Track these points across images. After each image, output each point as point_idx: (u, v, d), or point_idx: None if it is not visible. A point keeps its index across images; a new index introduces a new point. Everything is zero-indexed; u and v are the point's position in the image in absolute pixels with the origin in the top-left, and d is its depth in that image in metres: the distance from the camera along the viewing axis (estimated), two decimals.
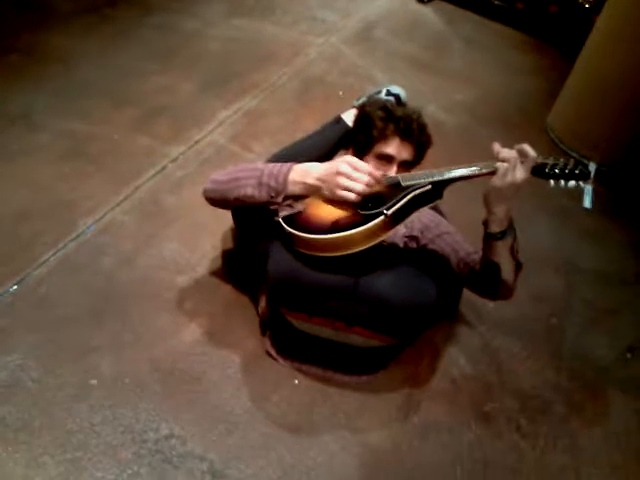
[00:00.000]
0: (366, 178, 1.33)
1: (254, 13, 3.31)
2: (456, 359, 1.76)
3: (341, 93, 2.76)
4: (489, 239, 1.39)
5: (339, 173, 1.33)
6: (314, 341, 1.57)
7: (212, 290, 1.78)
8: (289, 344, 1.62)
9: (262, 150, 2.30)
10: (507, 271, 1.45)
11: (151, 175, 2.12)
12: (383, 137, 1.56)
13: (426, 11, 3.77)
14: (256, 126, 2.47)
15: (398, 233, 1.56)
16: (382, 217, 1.32)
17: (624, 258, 2.28)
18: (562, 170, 1.28)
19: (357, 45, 3.23)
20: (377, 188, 1.37)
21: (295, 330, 1.56)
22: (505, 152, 1.28)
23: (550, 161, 1.29)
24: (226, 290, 1.79)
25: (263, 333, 1.68)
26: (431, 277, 1.50)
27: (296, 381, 1.60)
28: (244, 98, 2.61)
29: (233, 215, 1.68)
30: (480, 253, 1.48)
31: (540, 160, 1.29)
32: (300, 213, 1.42)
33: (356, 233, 1.32)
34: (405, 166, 1.58)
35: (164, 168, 2.16)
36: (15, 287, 1.66)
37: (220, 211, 1.62)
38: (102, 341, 1.58)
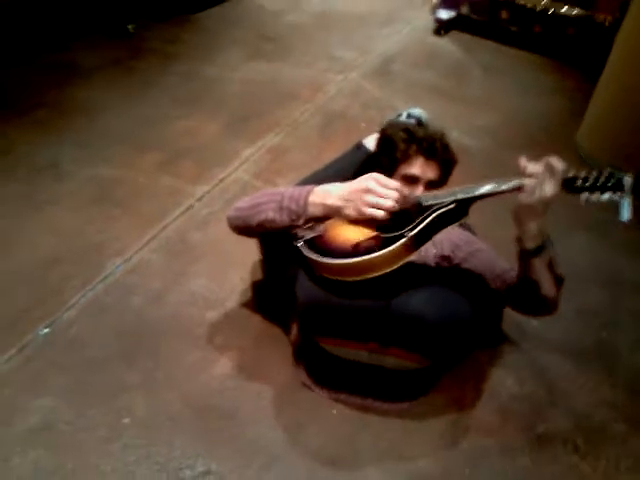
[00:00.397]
0: (394, 194, 1.29)
1: (272, 56, 3.37)
2: (503, 380, 1.67)
3: (363, 125, 2.76)
4: (525, 257, 1.32)
5: (366, 190, 1.29)
6: (350, 368, 1.51)
7: (242, 323, 1.74)
8: (325, 373, 1.56)
9: (286, 185, 2.29)
10: (547, 287, 1.37)
11: (177, 214, 2.12)
12: (407, 158, 1.52)
13: (443, 42, 3.80)
14: (280, 162, 2.47)
15: (429, 253, 1.51)
16: (403, 240, 1.27)
17: None
18: (594, 183, 1.20)
19: (376, 79, 3.25)
20: (405, 206, 1.32)
21: (330, 357, 1.50)
22: (532, 167, 1.22)
23: (581, 175, 1.21)
24: (256, 322, 1.75)
25: (297, 363, 1.62)
26: (466, 294, 1.44)
27: (334, 411, 1.53)
28: (267, 135, 2.63)
29: (260, 243, 1.66)
30: (517, 270, 1.41)
31: (571, 174, 1.21)
32: (320, 236, 1.39)
33: (376, 257, 1.27)
34: (431, 186, 1.54)
35: (190, 207, 2.16)
36: (46, 330, 1.65)
37: (247, 244, 1.59)
38: (134, 380, 1.54)
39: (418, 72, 3.37)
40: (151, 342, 1.65)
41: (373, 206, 1.28)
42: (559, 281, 1.40)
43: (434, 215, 1.29)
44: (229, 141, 2.56)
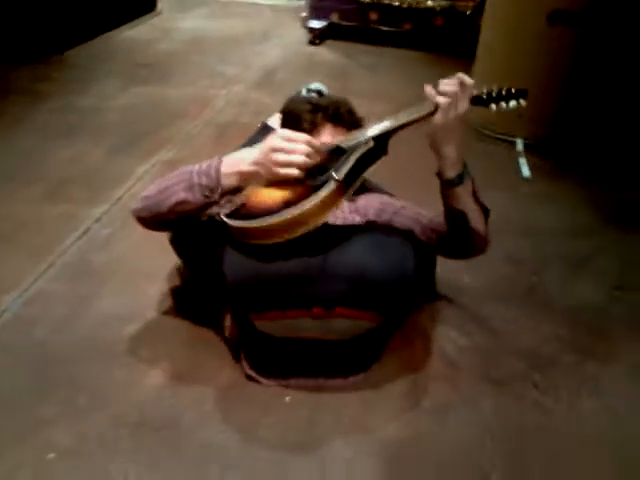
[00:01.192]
0: (304, 147, 1.20)
1: (151, 81, 3.26)
2: (449, 335, 1.61)
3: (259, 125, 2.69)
4: (448, 187, 1.30)
5: (274, 149, 1.20)
6: (295, 349, 1.40)
7: (168, 332, 1.58)
8: (269, 361, 1.43)
9: None
10: (475, 219, 1.36)
11: (74, 239, 1.92)
12: (314, 127, 1.47)
13: (321, 50, 3.86)
14: None
15: (355, 222, 1.45)
16: (333, 183, 1.20)
17: (581, 214, 2.25)
18: (499, 93, 1.26)
19: (264, 88, 3.22)
20: (319, 159, 1.24)
21: (272, 342, 1.38)
22: (445, 85, 1.21)
23: (486, 89, 1.27)
24: (184, 328, 1.59)
25: (237, 358, 1.48)
26: (403, 240, 1.39)
27: (287, 398, 1.40)
28: (160, 151, 2.50)
29: (172, 241, 1.51)
30: (442, 213, 1.38)
31: (476, 92, 1.26)
32: (243, 205, 1.28)
33: (311, 206, 1.19)
34: None
35: (87, 230, 1.98)
36: None
37: (158, 256, 1.49)
38: (51, 412, 1.33)
39: (304, 77, 3.36)
40: (64, 370, 1.44)
41: (285, 165, 1.20)
42: (486, 212, 1.39)
43: (356, 156, 1.24)
44: (120, 162, 2.40)
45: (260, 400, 1.39)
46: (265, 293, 1.29)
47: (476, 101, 1.25)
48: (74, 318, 1.61)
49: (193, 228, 1.42)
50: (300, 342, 1.38)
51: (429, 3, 3.75)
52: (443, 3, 3.75)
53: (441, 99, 1.20)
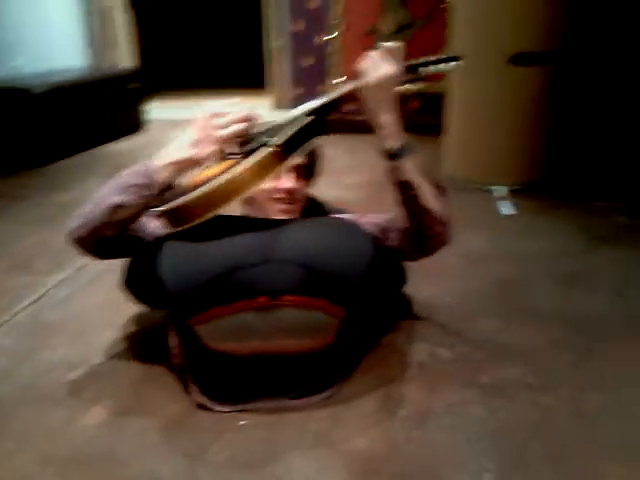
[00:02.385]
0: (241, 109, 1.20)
1: None
2: (427, 350, 1.45)
3: None
4: (391, 160, 1.25)
5: (211, 116, 1.19)
6: (251, 369, 1.25)
7: (115, 372, 1.43)
8: (222, 385, 1.27)
9: None
10: (426, 196, 1.28)
11: (31, 301, 1.81)
12: None
13: None
14: None
15: None
16: (270, 148, 1.16)
17: (573, 238, 2.13)
18: (432, 61, 1.28)
19: None
20: (257, 119, 1.24)
21: (222, 360, 1.24)
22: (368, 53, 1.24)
23: (420, 60, 1.29)
24: (133, 369, 1.44)
25: (187, 385, 1.31)
26: (355, 228, 1.30)
27: (242, 422, 1.22)
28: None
29: (126, 282, 1.41)
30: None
31: (413, 61, 1.28)
32: (178, 192, 1.22)
33: (243, 169, 1.13)
34: (302, 172, 1.45)
35: (46, 293, 1.87)
36: None
37: (114, 307, 1.49)
38: None
39: None
40: None
41: (228, 124, 1.17)
42: (441, 190, 1.31)
43: (295, 128, 1.20)
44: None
45: (211, 426, 1.21)
46: (205, 286, 1.16)
47: (409, 69, 1.27)
48: (16, 368, 1.46)
49: (138, 252, 1.34)
50: (255, 360, 1.24)
51: (402, 88, 3.89)
52: (416, 87, 3.89)
53: (364, 62, 1.22)
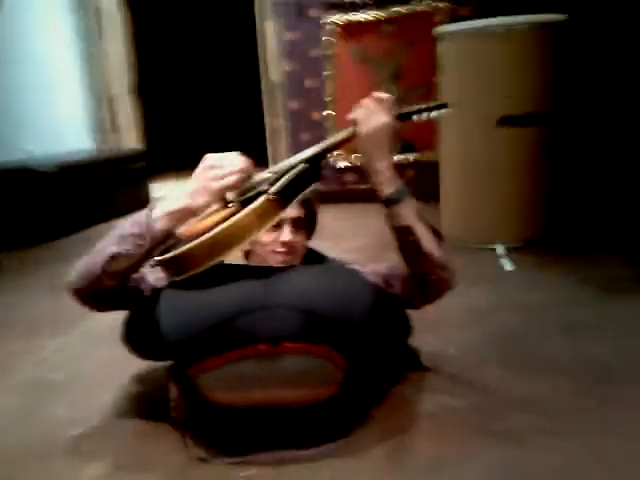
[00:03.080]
0: (237, 158, 1.22)
1: None
2: (437, 400, 1.40)
3: None
4: (389, 206, 1.28)
5: (209, 167, 1.21)
6: (253, 419, 1.21)
7: (116, 428, 1.39)
8: (224, 438, 1.23)
9: None
10: (425, 239, 1.30)
11: (34, 363, 1.79)
12: None
13: None
14: None
15: None
16: (265, 196, 1.18)
17: (574, 289, 2.10)
18: (422, 109, 1.33)
19: None
20: (252, 170, 1.24)
21: (224, 413, 1.21)
22: (361, 102, 1.29)
23: (412, 108, 1.34)
24: (134, 423, 1.40)
25: (188, 439, 1.26)
26: (353, 273, 1.30)
27: (242, 474, 1.17)
28: None
29: (126, 337, 1.40)
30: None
31: (404, 110, 1.32)
32: (176, 242, 1.23)
33: (240, 217, 1.15)
34: (299, 225, 1.47)
35: (49, 355, 1.85)
36: None
37: (120, 369, 1.48)
38: None
39: None
40: None
41: (224, 176, 1.19)
42: (437, 235, 1.34)
43: (290, 176, 1.22)
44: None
45: (210, 478, 1.16)
46: (204, 334, 1.15)
47: (401, 117, 1.31)
48: (16, 428, 1.43)
49: (137, 305, 1.33)
50: (257, 412, 1.21)
51: (397, 158, 4.00)
52: (411, 157, 4.00)
53: (357, 112, 1.26)
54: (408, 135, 3.96)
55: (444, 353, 1.64)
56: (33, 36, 4.42)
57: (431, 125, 2.90)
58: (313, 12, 3.98)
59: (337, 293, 1.20)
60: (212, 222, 1.18)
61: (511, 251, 2.55)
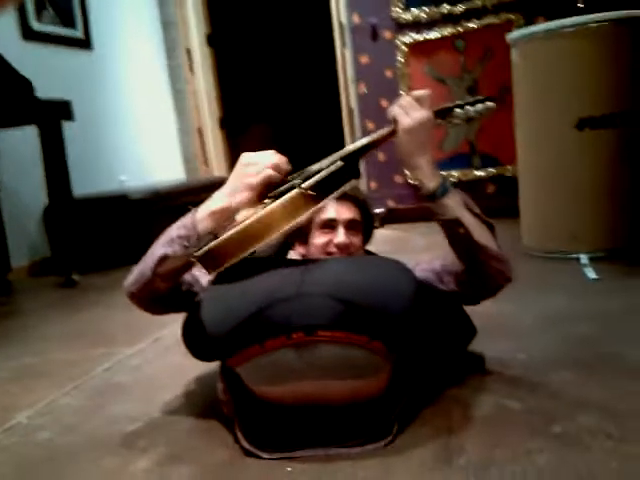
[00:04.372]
0: (271, 155, 1.27)
1: None
2: (494, 402, 1.33)
3: None
4: (434, 200, 1.26)
5: (244, 165, 1.26)
6: (300, 415, 1.20)
7: (171, 424, 1.42)
8: (269, 431, 1.22)
9: None
10: (477, 231, 1.27)
11: (104, 368, 1.89)
12: None
13: (381, 230, 4.00)
14: None
15: None
16: (297, 190, 1.18)
17: None
18: (462, 104, 1.32)
19: None
20: (287, 166, 1.29)
21: (272, 411, 1.21)
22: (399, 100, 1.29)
23: (450, 104, 1.33)
24: (188, 420, 1.43)
25: (236, 432, 1.27)
26: (396, 264, 1.27)
27: (289, 468, 1.16)
28: None
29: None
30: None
31: (443, 106, 1.33)
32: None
33: (272, 210, 1.16)
34: (354, 227, 1.49)
35: (120, 361, 1.94)
36: None
37: (178, 372, 1.54)
38: None
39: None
40: (52, 466, 1.30)
41: (259, 171, 1.23)
42: (489, 227, 1.31)
43: (325, 173, 1.21)
44: None
45: (258, 472, 1.16)
46: (240, 324, 1.16)
47: (440, 113, 1.31)
48: (82, 422, 1.51)
49: (191, 306, 1.37)
50: (304, 408, 1.20)
51: (477, 173, 3.92)
52: (492, 171, 3.90)
53: (394, 109, 1.27)
54: (490, 149, 3.88)
55: (513, 358, 1.56)
56: (129, 76, 4.79)
57: (513, 138, 2.81)
58: (387, 34, 4.03)
59: (374, 283, 1.18)
60: (247, 217, 1.20)
61: (593, 261, 2.41)
